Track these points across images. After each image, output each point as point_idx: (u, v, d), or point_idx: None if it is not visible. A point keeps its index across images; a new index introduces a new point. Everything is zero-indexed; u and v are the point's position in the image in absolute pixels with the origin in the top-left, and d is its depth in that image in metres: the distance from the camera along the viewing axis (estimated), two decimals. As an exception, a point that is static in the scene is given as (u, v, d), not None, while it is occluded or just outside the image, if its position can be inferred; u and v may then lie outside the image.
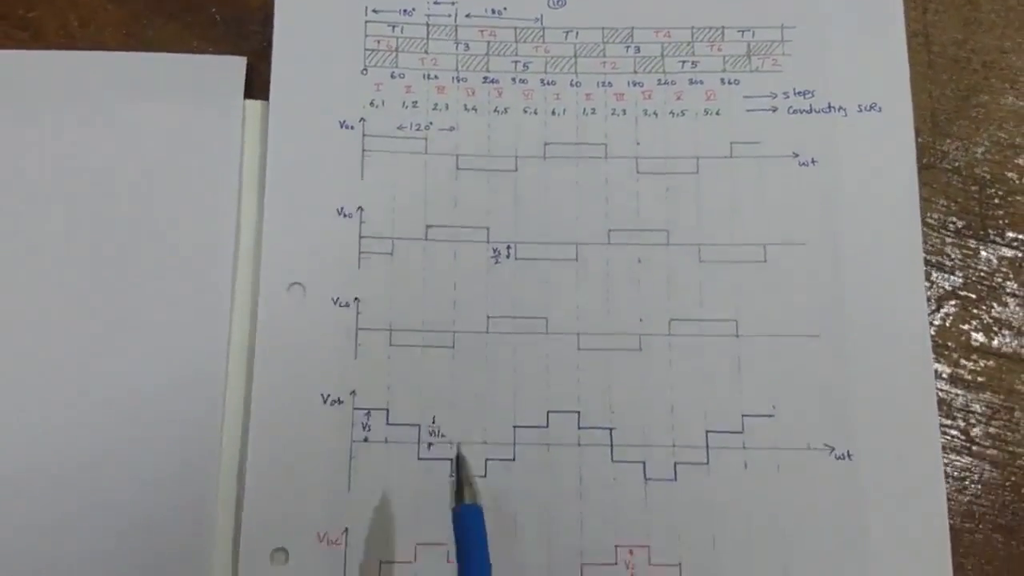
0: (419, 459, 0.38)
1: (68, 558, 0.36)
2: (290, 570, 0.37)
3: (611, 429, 0.39)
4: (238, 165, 0.40)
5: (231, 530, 0.37)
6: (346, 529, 0.37)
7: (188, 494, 0.37)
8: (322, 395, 0.39)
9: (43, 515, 0.36)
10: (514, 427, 0.39)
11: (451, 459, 0.37)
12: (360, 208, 0.40)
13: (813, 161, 0.42)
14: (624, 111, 0.42)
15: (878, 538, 0.37)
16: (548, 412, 0.39)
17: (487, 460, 0.39)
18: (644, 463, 0.39)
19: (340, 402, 0.39)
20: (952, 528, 0.38)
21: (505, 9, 0.43)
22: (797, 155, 0.42)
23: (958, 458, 0.39)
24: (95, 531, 0.36)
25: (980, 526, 0.39)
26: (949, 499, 0.38)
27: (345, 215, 0.40)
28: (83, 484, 0.37)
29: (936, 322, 0.40)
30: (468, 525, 0.34)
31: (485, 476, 0.38)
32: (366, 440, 0.38)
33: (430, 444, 0.39)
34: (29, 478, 0.37)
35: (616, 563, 0.38)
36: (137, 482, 0.37)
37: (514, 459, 0.39)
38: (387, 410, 0.39)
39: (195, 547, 0.36)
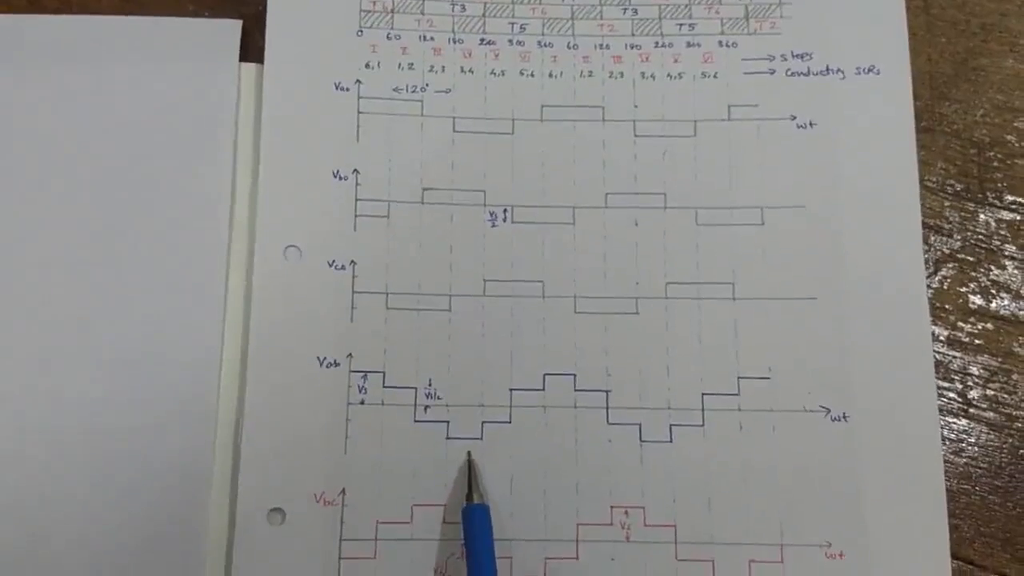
0: (415, 421, 0.38)
1: (64, 521, 0.36)
2: (287, 530, 0.37)
3: (607, 391, 0.39)
4: (233, 128, 0.40)
5: (228, 491, 0.37)
6: (343, 490, 0.37)
7: (185, 455, 0.37)
8: (318, 358, 0.39)
9: (39, 476, 0.36)
10: (510, 390, 0.39)
11: (464, 462, 0.38)
12: (356, 171, 0.40)
13: (811, 124, 0.41)
14: (621, 74, 0.42)
15: (874, 500, 0.37)
16: (544, 375, 0.39)
17: (483, 423, 0.39)
18: (640, 425, 0.39)
19: (336, 364, 0.39)
20: (949, 490, 0.38)
21: (502, -29, 0.43)
22: (795, 118, 0.41)
23: (955, 420, 0.39)
24: (92, 494, 0.36)
25: (976, 488, 0.39)
26: (946, 461, 0.38)
27: (340, 178, 0.40)
28: (78, 448, 0.37)
29: (934, 285, 0.40)
30: (475, 522, 0.36)
31: (481, 439, 0.38)
32: (362, 403, 0.38)
33: (426, 407, 0.39)
34: (21, 437, 0.37)
35: (611, 523, 0.38)
36: (134, 445, 0.37)
37: (510, 421, 0.39)
38: (383, 373, 0.39)
39: (192, 508, 0.36)
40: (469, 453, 0.38)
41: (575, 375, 0.39)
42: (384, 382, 0.39)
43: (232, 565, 0.36)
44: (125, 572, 0.36)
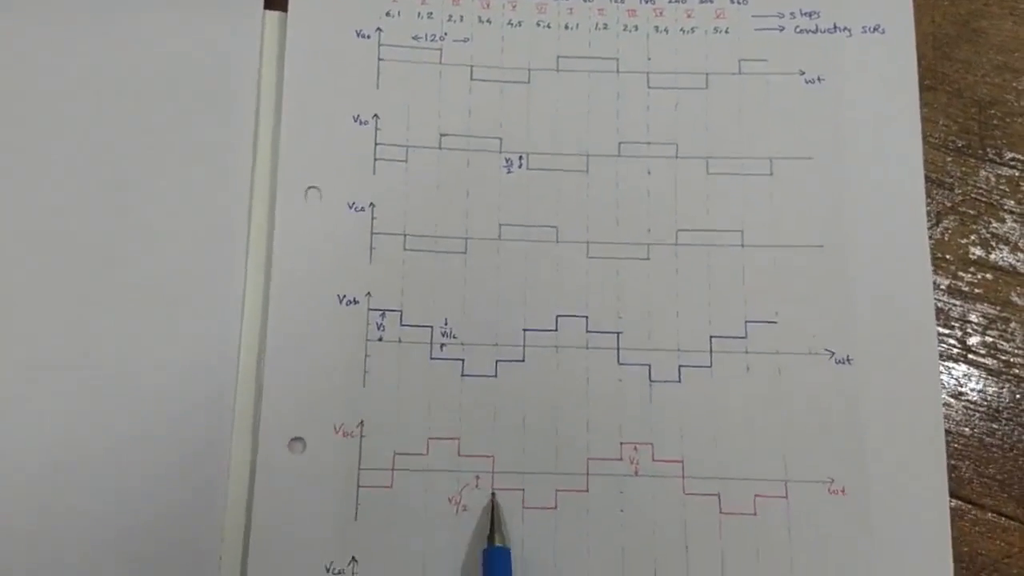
0: (431, 359, 0.40)
1: (89, 452, 0.37)
2: (308, 458, 0.38)
3: (618, 333, 0.40)
4: (257, 74, 0.41)
5: (251, 423, 0.38)
6: (361, 422, 0.38)
7: (208, 389, 0.38)
8: (338, 296, 0.40)
9: (66, 407, 0.37)
10: (524, 330, 0.40)
11: (487, 504, 0.38)
12: (376, 116, 0.41)
13: (819, 79, 0.43)
14: (636, 27, 0.43)
15: (875, 439, 0.39)
16: (557, 316, 0.40)
17: (497, 361, 0.40)
18: (649, 366, 0.40)
19: (356, 303, 0.40)
20: (948, 432, 0.39)
21: (520, -74, 0.44)
22: (803, 73, 0.43)
23: (955, 365, 0.41)
24: (118, 426, 0.37)
25: (975, 431, 0.40)
26: (945, 404, 0.40)
27: (361, 123, 0.41)
28: (105, 383, 0.38)
29: (935, 236, 0.42)
30: (496, 565, 0.36)
31: (496, 376, 0.39)
32: (380, 339, 0.39)
33: (443, 345, 0.40)
34: (52, 362, 0.38)
35: (621, 459, 0.39)
36: (159, 379, 0.38)
37: (524, 360, 0.40)
38: (401, 312, 0.40)
39: (216, 438, 0.37)
40: (493, 495, 0.38)
41: (587, 317, 0.40)
42: (401, 320, 0.40)
43: (254, 491, 0.37)
44: (150, 499, 0.37)
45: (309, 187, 0.40)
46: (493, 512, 0.37)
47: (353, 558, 0.37)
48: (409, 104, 0.42)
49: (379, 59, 0.42)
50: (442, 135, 0.42)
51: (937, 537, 0.38)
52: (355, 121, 0.41)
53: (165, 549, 0.36)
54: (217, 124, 0.41)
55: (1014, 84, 0.44)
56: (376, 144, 0.41)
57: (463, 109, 0.42)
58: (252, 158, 0.40)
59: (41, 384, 0.37)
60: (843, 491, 0.38)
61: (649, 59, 0.43)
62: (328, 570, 0.37)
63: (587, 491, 0.38)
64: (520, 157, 0.42)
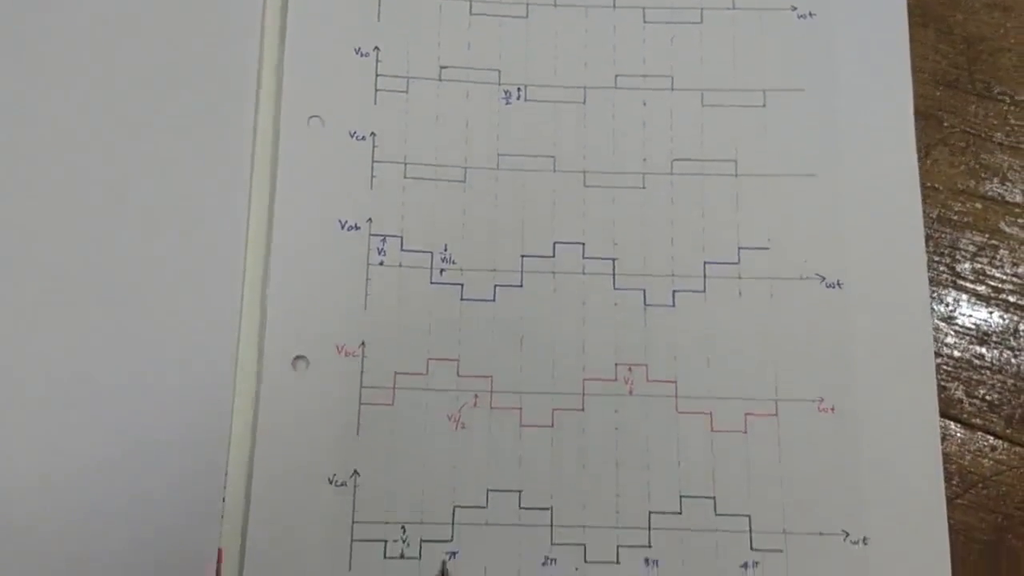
0: (431, 283, 0.40)
1: (95, 361, 0.38)
2: (310, 376, 0.39)
3: (614, 259, 0.41)
4: (261, 6, 0.42)
5: (255, 340, 0.39)
6: (363, 342, 0.39)
7: (212, 307, 0.39)
8: (340, 221, 0.41)
9: (76, 311, 0.38)
10: (522, 256, 0.41)
11: (439, 572, 0.37)
12: (376, 48, 0.42)
13: (811, 14, 0.43)
14: (632, -37, 0.44)
15: (865, 360, 0.40)
16: (554, 243, 0.41)
17: (495, 286, 0.41)
18: (644, 291, 0.41)
19: (357, 228, 0.41)
20: (938, 355, 0.40)
21: None
22: (795, 8, 0.44)
23: (944, 291, 0.41)
24: (127, 340, 0.38)
25: (964, 354, 0.41)
26: (935, 328, 0.40)
27: (362, 55, 0.42)
28: (116, 299, 0.39)
29: (925, 167, 0.42)
30: None
31: (494, 300, 0.40)
32: (381, 264, 0.40)
33: (442, 270, 0.41)
34: (58, 286, 0.39)
35: (616, 379, 0.40)
36: (167, 298, 0.39)
37: (521, 286, 0.41)
38: (401, 237, 0.41)
39: (221, 354, 0.38)
40: (444, 563, 0.37)
41: (584, 244, 0.41)
42: (402, 246, 0.41)
43: (259, 408, 0.38)
44: (156, 418, 0.38)
45: (311, 116, 0.41)
46: None
47: (355, 471, 0.38)
48: (409, 37, 0.43)
49: (380, -7, 0.43)
50: (442, 67, 0.43)
51: (927, 454, 0.39)
52: (356, 53, 0.42)
53: (171, 466, 0.37)
54: (221, 55, 0.42)
55: (1004, 22, 0.45)
56: (377, 75, 0.42)
57: (462, 42, 0.43)
58: (256, 88, 0.41)
59: (46, 311, 0.38)
60: (832, 410, 0.39)
61: (645, -6, 0.44)
62: (331, 482, 0.38)
63: (583, 410, 0.39)
64: (518, 89, 0.43)
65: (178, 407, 0.38)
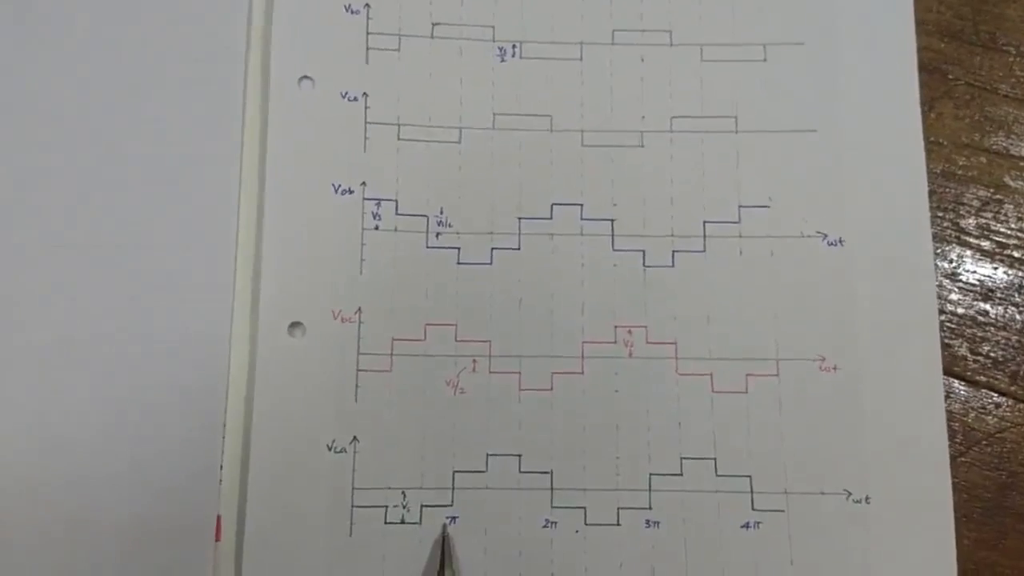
0: (427, 247, 0.40)
1: (89, 325, 0.38)
2: (307, 343, 0.38)
3: (612, 220, 0.40)
4: (248, -35, 0.41)
5: (250, 307, 0.38)
6: (359, 308, 0.39)
7: (209, 274, 0.38)
8: (333, 184, 0.40)
9: (69, 272, 0.38)
10: (519, 218, 0.40)
11: (438, 536, 0.37)
12: (367, 5, 0.41)
13: (812, -35, 0.42)
14: (628, -86, 0.43)
15: (868, 318, 0.39)
16: (552, 204, 0.40)
17: (492, 249, 0.40)
18: (644, 251, 0.40)
19: (351, 192, 0.40)
20: (942, 312, 0.40)
21: None
22: (797, -42, 0.42)
23: (948, 247, 0.41)
24: (120, 307, 0.38)
25: (968, 311, 0.40)
26: (939, 285, 0.40)
27: (352, 12, 0.41)
28: (109, 259, 0.38)
29: (929, 121, 0.42)
30: None
31: (491, 264, 0.40)
32: (376, 228, 0.40)
33: (438, 234, 0.40)
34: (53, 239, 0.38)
35: (615, 342, 0.39)
36: (159, 263, 0.38)
37: (519, 248, 0.40)
38: (396, 201, 0.40)
39: (217, 321, 0.38)
40: (445, 527, 0.37)
41: (582, 205, 0.40)
42: (397, 210, 0.40)
43: (256, 376, 0.38)
44: (152, 386, 0.37)
45: (302, 77, 0.40)
46: (444, 546, 0.37)
47: (354, 437, 0.38)
48: (400, -7, 0.42)
49: (370, -52, 0.42)
50: (434, 24, 0.42)
51: (931, 412, 0.38)
52: (346, 10, 0.41)
53: (168, 434, 0.37)
54: (209, 16, 0.41)
55: (1010, -30, 0.43)
56: (368, 34, 0.41)
57: (455, -3, 0.42)
58: (245, 48, 0.40)
59: (40, 280, 0.38)
60: (834, 368, 0.39)
61: (642, -53, 0.42)
62: (330, 448, 0.37)
63: (582, 373, 0.39)
64: (514, 46, 0.42)
65: (174, 375, 0.37)
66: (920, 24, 0.42)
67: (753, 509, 0.38)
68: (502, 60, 0.41)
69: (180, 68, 0.40)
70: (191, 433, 0.37)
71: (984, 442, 0.39)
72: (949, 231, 0.41)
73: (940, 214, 0.41)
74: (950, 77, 0.42)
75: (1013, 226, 0.41)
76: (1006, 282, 0.40)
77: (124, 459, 0.37)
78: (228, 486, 0.37)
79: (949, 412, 0.38)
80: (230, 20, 0.41)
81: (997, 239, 0.41)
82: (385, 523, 0.37)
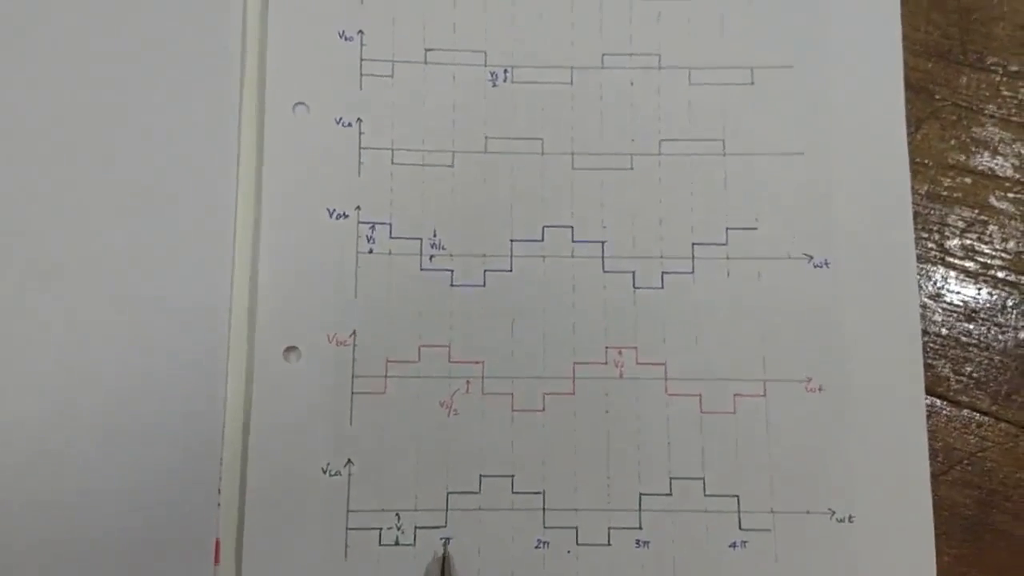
0: (421, 270, 0.41)
1: (87, 357, 0.38)
2: (303, 366, 0.39)
3: (603, 242, 0.41)
4: (242, -9, 0.42)
5: (246, 332, 0.39)
6: (354, 331, 0.40)
7: (206, 300, 0.39)
8: (328, 209, 0.41)
9: (62, 299, 0.39)
10: (511, 240, 0.41)
11: (438, 555, 0.38)
12: (361, 31, 0.42)
13: (800, -13, 0.43)
14: (616, -63, 0.43)
15: (853, 339, 0.40)
16: (544, 227, 0.41)
17: (486, 271, 0.41)
18: (633, 273, 0.41)
19: (345, 216, 0.41)
20: (925, 332, 0.40)
21: None
22: (785, -20, 0.43)
23: (933, 268, 0.41)
24: (117, 336, 0.39)
25: (952, 332, 0.41)
26: (923, 306, 0.41)
27: (346, 38, 0.42)
28: (103, 294, 0.39)
29: (915, 141, 0.42)
30: None
31: (484, 286, 0.40)
32: (371, 252, 0.40)
33: (431, 256, 0.41)
34: (46, 272, 0.39)
35: (606, 362, 0.40)
36: (156, 291, 0.39)
37: (511, 270, 0.41)
38: (390, 224, 0.41)
39: (213, 347, 0.39)
40: (445, 544, 0.38)
41: (572, 227, 0.41)
42: (391, 233, 0.41)
43: (252, 398, 0.38)
44: (149, 412, 0.38)
45: (297, 103, 0.41)
46: (444, 564, 0.38)
47: (349, 460, 0.38)
48: (394, 19, 0.42)
49: (363, -26, 0.42)
50: (427, 50, 0.42)
51: (913, 432, 0.39)
52: (340, 37, 0.42)
53: (166, 459, 0.38)
54: (204, 41, 0.41)
55: (997, -12, 0.44)
56: (362, 60, 0.42)
57: (447, 23, 0.42)
58: (240, 74, 0.41)
59: (39, 306, 0.39)
60: (820, 389, 0.39)
61: (631, -30, 0.43)
62: (325, 471, 0.38)
63: (574, 394, 0.40)
64: (505, 71, 0.42)
65: (171, 400, 0.38)
66: (907, 43, 0.43)
67: (740, 528, 0.39)
68: (494, 85, 0.42)
69: (175, 94, 0.41)
70: (189, 457, 0.38)
71: (965, 461, 0.40)
72: (934, 252, 0.42)
73: (925, 235, 0.42)
74: (937, 97, 0.43)
75: (997, 247, 0.42)
76: (989, 303, 0.41)
77: (123, 483, 0.37)
78: (226, 509, 0.38)
79: (931, 431, 0.39)
80: (224, 47, 0.41)
81: (981, 259, 0.42)
82: (380, 545, 0.38)
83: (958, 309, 0.41)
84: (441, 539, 0.38)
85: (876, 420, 0.39)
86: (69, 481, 0.37)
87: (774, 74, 0.42)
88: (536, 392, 0.40)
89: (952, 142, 0.42)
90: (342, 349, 0.39)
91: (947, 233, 0.42)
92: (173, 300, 0.39)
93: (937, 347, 0.41)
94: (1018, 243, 0.41)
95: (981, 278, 0.41)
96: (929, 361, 0.40)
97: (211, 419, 0.38)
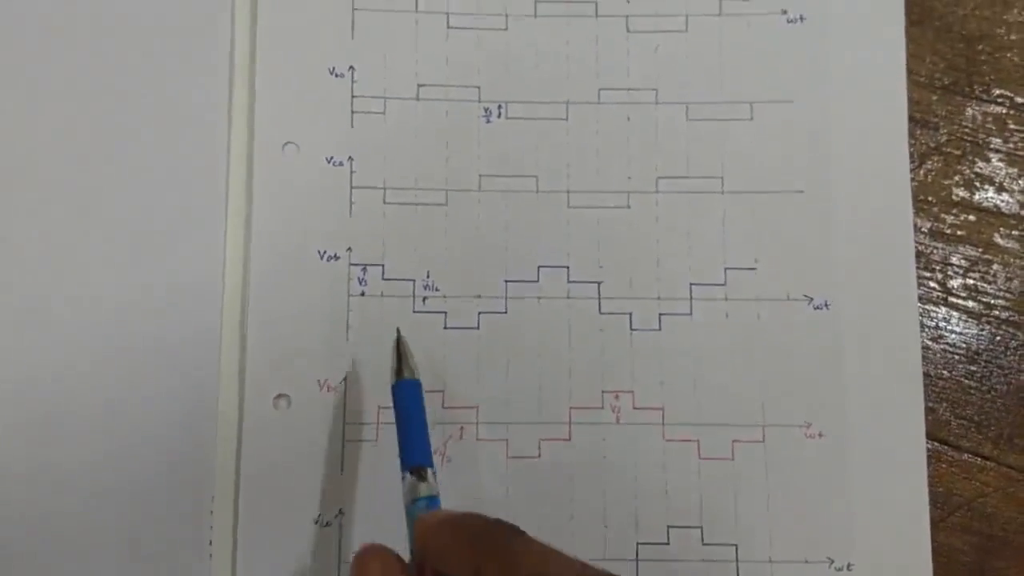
0: (414, 312, 0.40)
1: (76, 399, 0.38)
2: (293, 414, 0.38)
3: (599, 283, 0.40)
4: (230, 28, 0.41)
5: (236, 379, 0.39)
6: (345, 377, 0.39)
7: (194, 346, 0.39)
8: (319, 251, 0.40)
9: (53, 349, 0.38)
10: (506, 281, 0.40)
11: (393, 340, 0.38)
12: (351, 68, 0.41)
13: (801, 18, 0.42)
14: (614, -31, 0.42)
15: (853, 383, 0.39)
16: (539, 267, 0.40)
17: (480, 313, 0.40)
18: (630, 314, 0.40)
19: (336, 258, 0.40)
20: (926, 375, 0.40)
21: None
22: (785, 12, 0.42)
23: (935, 308, 0.41)
24: (107, 380, 0.38)
25: (953, 373, 0.40)
26: (924, 348, 0.40)
27: (337, 75, 0.41)
28: (94, 336, 0.38)
29: (919, 177, 0.41)
30: (406, 397, 0.36)
31: (478, 328, 0.40)
32: (363, 294, 0.40)
33: (424, 298, 0.40)
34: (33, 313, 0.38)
35: (603, 407, 0.39)
36: (145, 335, 0.39)
37: (506, 312, 0.40)
38: (382, 266, 0.40)
39: (203, 395, 0.38)
40: (398, 330, 0.38)
41: (568, 267, 0.40)
42: (383, 275, 0.40)
43: (242, 448, 0.38)
44: (141, 461, 0.38)
45: (286, 143, 0.40)
46: (398, 347, 0.37)
47: (340, 511, 0.38)
48: (385, 55, 0.41)
49: (353, 8, 0.41)
50: (419, 86, 0.41)
51: (913, 478, 0.39)
52: (331, 73, 0.41)
53: (157, 509, 0.37)
54: (192, 80, 0.40)
55: (1004, 16, 0.43)
56: (353, 96, 0.41)
57: (440, 58, 0.41)
58: (228, 114, 0.40)
59: (24, 336, 0.38)
60: (820, 435, 0.39)
61: (628, 2, 0.42)
62: (316, 522, 0.38)
63: (570, 440, 0.39)
64: (499, 106, 0.41)
65: (160, 451, 0.38)
66: (911, 75, 0.42)
67: (738, 579, 0.38)
68: (487, 121, 0.41)
69: (163, 134, 0.40)
70: (180, 509, 0.37)
71: (965, 507, 0.39)
72: (936, 292, 0.41)
73: (927, 274, 0.41)
74: (942, 131, 0.42)
75: (1001, 287, 0.41)
76: (991, 344, 0.40)
77: (115, 535, 0.37)
78: (218, 561, 0.37)
79: (931, 476, 0.39)
80: (212, 85, 0.40)
81: (984, 300, 0.41)
82: (373, 598, 0.37)
83: (960, 351, 0.40)
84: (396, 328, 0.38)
85: (876, 467, 0.39)
86: (56, 528, 0.37)
87: (774, 109, 0.41)
88: (532, 438, 0.39)
89: (956, 178, 0.42)
90: (333, 395, 0.39)
91: (950, 272, 0.41)
92: (161, 346, 0.38)
93: (939, 390, 0.40)
94: (1022, 283, 0.41)
95: (984, 319, 0.41)
96: (930, 404, 0.40)
97: (201, 469, 0.38)
